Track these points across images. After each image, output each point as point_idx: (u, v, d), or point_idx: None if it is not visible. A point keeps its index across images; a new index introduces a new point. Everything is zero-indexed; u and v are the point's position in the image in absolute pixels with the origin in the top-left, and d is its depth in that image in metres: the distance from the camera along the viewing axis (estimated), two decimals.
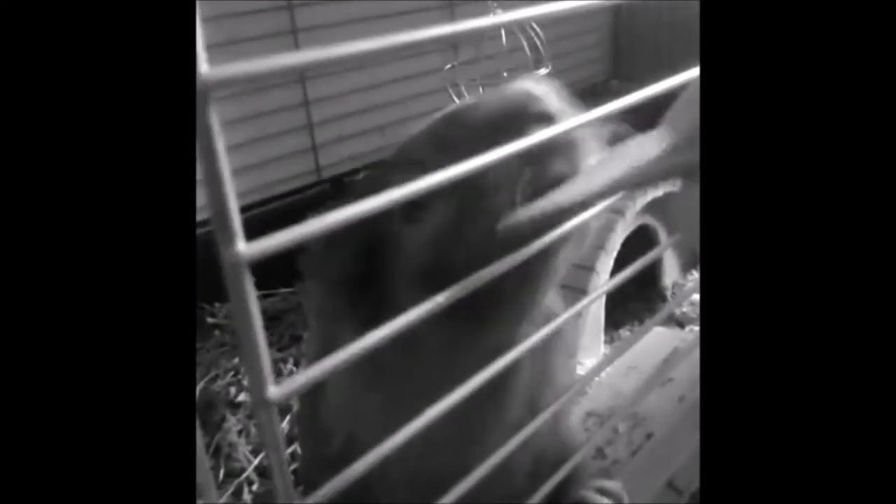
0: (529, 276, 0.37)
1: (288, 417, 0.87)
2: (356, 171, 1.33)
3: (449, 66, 1.20)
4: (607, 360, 0.89)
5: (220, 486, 0.80)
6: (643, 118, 0.36)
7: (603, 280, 0.91)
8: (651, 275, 1.18)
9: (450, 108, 0.41)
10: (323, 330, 0.51)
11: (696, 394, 0.77)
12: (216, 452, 0.85)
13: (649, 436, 0.73)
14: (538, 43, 1.18)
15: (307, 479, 0.62)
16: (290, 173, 1.27)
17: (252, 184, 1.21)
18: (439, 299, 0.27)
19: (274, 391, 0.22)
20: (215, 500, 0.28)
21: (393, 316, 0.26)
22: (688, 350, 0.85)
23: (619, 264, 0.94)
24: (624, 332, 1.09)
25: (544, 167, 0.35)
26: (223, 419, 0.89)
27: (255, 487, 0.81)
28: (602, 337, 0.98)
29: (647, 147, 0.32)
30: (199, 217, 0.26)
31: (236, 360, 0.99)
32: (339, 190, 1.30)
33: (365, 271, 0.41)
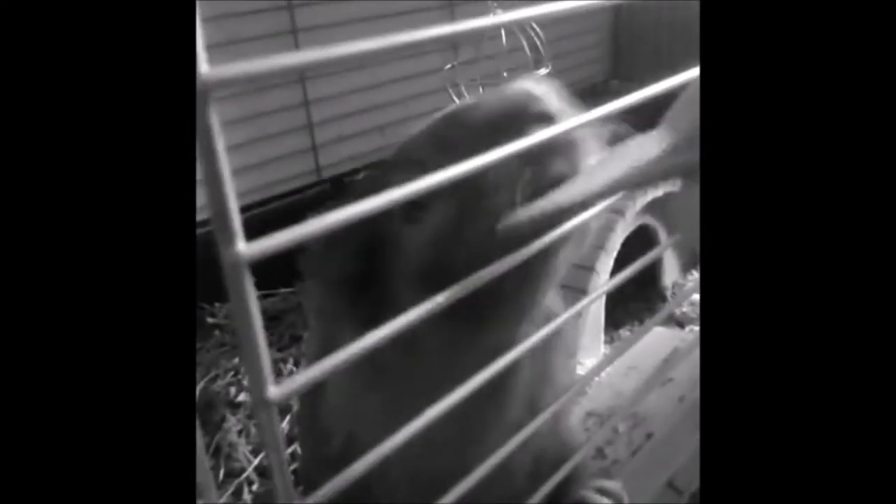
0: (529, 275, 0.37)
1: (288, 418, 0.87)
2: (356, 171, 1.33)
3: (449, 66, 1.20)
4: (607, 360, 0.89)
5: (220, 486, 0.80)
6: (643, 118, 0.36)
7: (603, 280, 0.91)
8: (651, 275, 1.18)
9: (450, 108, 0.41)
10: (323, 330, 0.51)
11: (696, 394, 0.77)
12: (216, 452, 0.85)
13: (649, 436, 0.73)
14: (538, 43, 1.18)
15: (307, 480, 0.62)
16: (290, 173, 1.27)
17: (252, 184, 1.21)
18: (439, 299, 0.27)
19: (274, 391, 0.22)
20: (215, 501, 0.28)
21: (393, 316, 0.26)
22: (688, 350, 0.85)
23: (619, 264, 0.94)
24: (624, 332, 1.09)
25: (544, 167, 0.35)
26: (223, 419, 0.89)
27: (255, 487, 0.81)
28: (602, 337, 0.98)
29: (647, 147, 0.32)
30: (199, 217, 0.26)
31: (236, 360, 0.99)
32: (339, 190, 1.30)
33: (365, 271, 0.41)
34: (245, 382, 0.94)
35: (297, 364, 1.00)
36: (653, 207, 1.04)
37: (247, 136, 1.19)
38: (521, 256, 0.32)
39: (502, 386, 0.45)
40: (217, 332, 1.06)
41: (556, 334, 0.49)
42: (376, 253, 0.41)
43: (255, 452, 0.85)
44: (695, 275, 1.22)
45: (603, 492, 0.54)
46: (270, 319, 1.11)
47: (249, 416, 0.89)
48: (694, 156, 0.30)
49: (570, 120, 0.33)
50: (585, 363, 0.93)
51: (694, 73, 0.34)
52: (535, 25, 1.20)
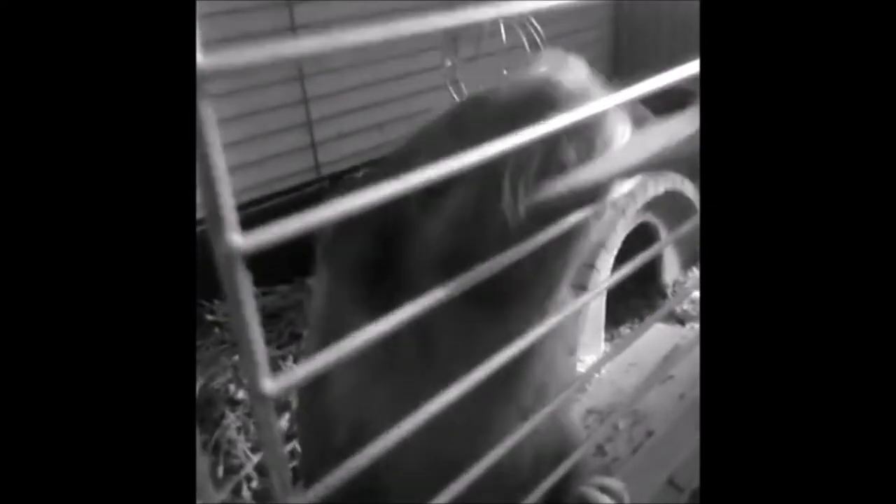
0: (550, 260, 0.37)
1: (287, 415, 0.87)
2: (356, 168, 1.33)
3: (449, 62, 1.19)
4: (607, 357, 0.89)
5: (220, 484, 0.80)
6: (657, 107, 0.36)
7: (603, 278, 0.91)
8: (651, 272, 1.18)
9: (472, 93, 0.41)
10: (330, 320, 0.50)
11: (696, 391, 0.77)
12: (216, 449, 0.84)
13: (650, 433, 0.72)
14: (538, 40, 1.17)
15: (309, 476, 0.62)
16: (289, 171, 1.27)
17: (251, 181, 1.21)
18: (459, 284, 0.27)
19: (270, 385, 0.22)
20: (213, 500, 0.27)
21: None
22: (688, 347, 0.85)
23: (620, 262, 0.94)
24: (624, 330, 1.09)
25: (569, 146, 0.35)
26: (222, 416, 0.89)
27: (254, 484, 0.81)
28: (602, 334, 0.98)
29: (677, 127, 0.32)
30: (199, 215, 0.26)
31: (236, 358, 0.99)
32: (338, 186, 1.30)
33: (381, 259, 0.41)
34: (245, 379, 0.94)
35: (296, 361, 1.00)
36: (654, 205, 1.04)
37: (246, 133, 1.19)
38: (543, 240, 0.31)
39: (516, 373, 0.44)
40: (216, 330, 1.06)
41: (558, 327, 0.49)
42: (393, 241, 0.41)
43: (254, 450, 0.85)
44: (695, 272, 1.22)
45: (604, 489, 0.54)
46: (270, 317, 1.11)
47: (249, 414, 0.89)
48: None
49: (595, 101, 0.33)
50: (585, 360, 0.93)
51: (695, 65, 0.34)
52: (535, 23, 1.19)
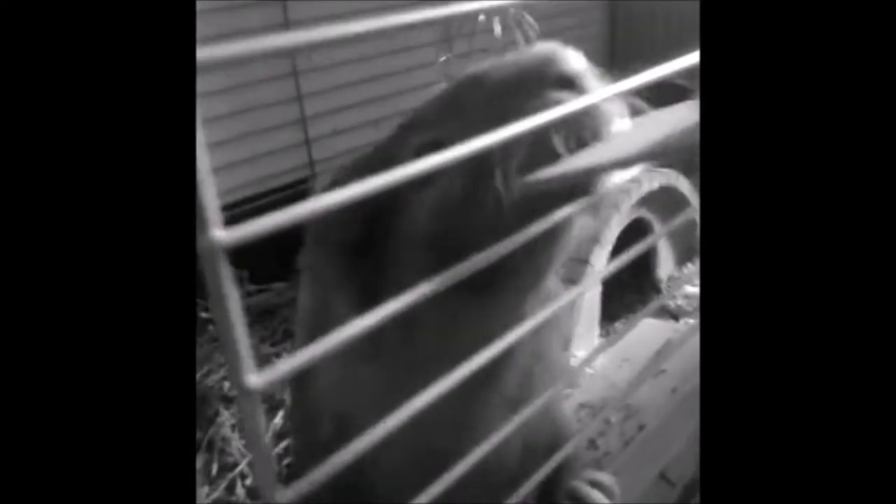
0: (541, 246, 0.36)
1: (281, 413, 0.87)
2: None
3: (443, 59, 1.19)
4: (597, 351, 0.89)
5: (214, 481, 0.80)
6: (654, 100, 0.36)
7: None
8: (646, 267, 1.18)
9: (469, 69, 0.40)
10: (316, 299, 0.50)
11: (688, 386, 0.77)
12: (210, 447, 0.84)
13: (641, 427, 0.73)
14: (533, 37, 1.17)
15: (300, 473, 0.62)
16: (283, 167, 1.27)
17: (245, 178, 1.21)
18: (447, 276, 0.26)
19: (255, 380, 0.22)
20: (203, 501, 0.27)
21: (392, 283, 0.25)
22: (680, 342, 0.85)
23: (615, 258, 0.94)
24: (619, 325, 1.09)
25: (562, 132, 0.34)
26: (217, 414, 0.89)
27: (248, 482, 0.81)
28: (597, 329, 0.98)
29: (672, 118, 0.31)
30: None
31: None
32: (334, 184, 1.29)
33: (366, 236, 0.41)
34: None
35: None
36: (648, 201, 1.04)
37: (240, 130, 1.18)
38: (535, 228, 0.30)
39: (500, 363, 0.44)
40: (211, 327, 1.06)
41: (551, 318, 0.49)
42: (379, 218, 0.40)
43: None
44: (690, 267, 1.22)
45: (594, 484, 0.54)
46: (264, 314, 1.11)
47: None
48: None
49: (592, 88, 0.33)
50: (579, 355, 0.93)
51: (694, 57, 0.34)
52: (530, 19, 1.19)
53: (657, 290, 1.17)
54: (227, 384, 0.94)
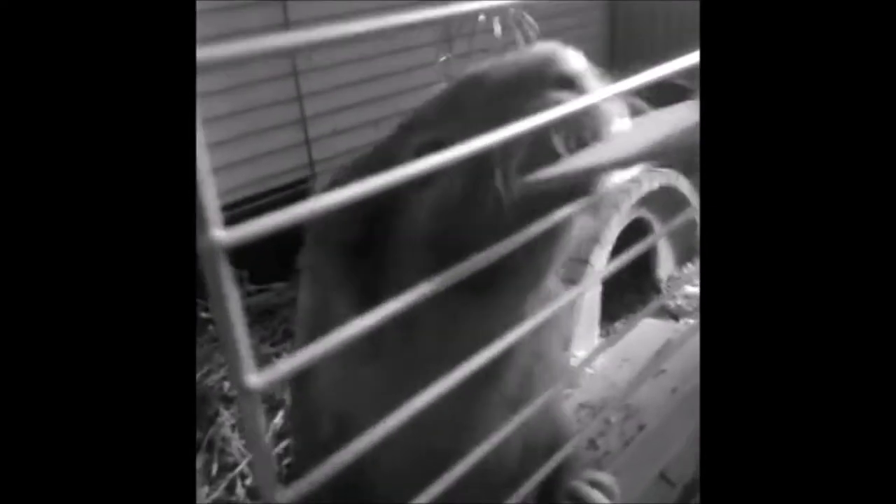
0: (540, 245, 0.36)
1: (281, 413, 0.87)
2: None
3: (443, 59, 1.19)
4: (597, 351, 0.89)
5: (214, 481, 0.80)
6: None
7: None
8: (646, 267, 1.18)
9: (469, 70, 0.41)
10: (316, 299, 0.50)
11: (688, 385, 0.77)
12: (210, 447, 0.84)
13: (641, 427, 0.73)
14: (533, 37, 1.17)
15: (297, 473, 0.62)
16: (283, 167, 1.27)
17: (245, 178, 1.21)
18: (447, 277, 0.26)
19: (255, 379, 0.22)
20: (203, 501, 0.27)
21: (392, 283, 0.25)
22: (680, 341, 0.85)
23: (615, 259, 0.94)
24: (619, 325, 1.09)
25: (562, 132, 0.34)
26: (217, 414, 0.89)
27: (248, 482, 0.81)
28: (597, 329, 0.98)
29: (672, 119, 0.31)
30: None
31: None
32: (333, 184, 1.29)
33: (366, 236, 0.41)
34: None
35: None
36: (648, 201, 1.04)
37: (240, 130, 1.18)
38: (535, 228, 0.30)
39: (500, 363, 0.44)
40: (211, 327, 1.06)
41: (551, 319, 0.49)
42: (379, 218, 0.40)
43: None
44: (690, 267, 1.22)
45: (594, 484, 0.54)
46: (264, 314, 1.11)
47: None
48: None
49: (592, 88, 0.33)
50: (579, 355, 0.93)
51: (694, 57, 0.34)
52: (530, 19, 1.19)
53: (657, 291, 1.17)
54: (227, 384, 0.94)
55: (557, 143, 0.34)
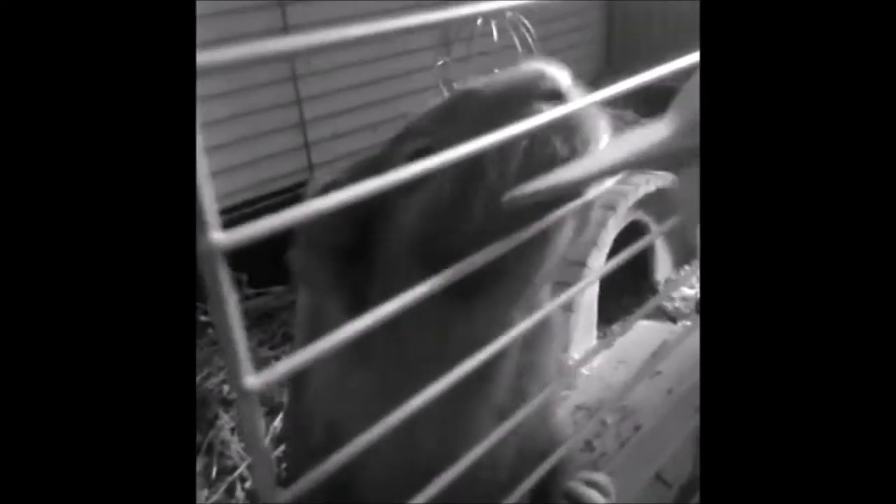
0: (528, 252, 0.37)
1: (280, 416, 0.87)
2: None
3: (441, 62, 1.20)
4: (592, 353, 0.89)
5: (213, 484, 0.80)
6: (650, 108, 0.37)
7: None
8: (643, 270, 1.18)
9: (464, 86, 0.42)
10: (312, 309, 0.51)
11: (684, 386, 0.77)
12: (209, 450, 0.85)
13: (637, 428, 0.73)
14: (529, 40, 1.18)
15: (295, 477, 0.62)
16: (282, 171, 1.27)
17: (244, 182, 1.21)
18: (436, 281, 0.26)
19: (253, 381, 0.22)
20: (203, 502, 0.28)
21: (382, 287, 0.25)
22: (676, 343, 0.85)
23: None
24: (617, 328, 1.09)
25: (550, 144, 0.36)
26: (216, 417, 0.89)
27: (247, 485, 0.81)
28: (594, 332, 0.98)
29: (653, 131, 0.32)
30: None
31: None
32: (331, 187, 1.30)
33: (356, 241, 0.41)
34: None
35: None
36: (645, 203, 1.04)
37: (239, 133, 1.19)
38: (522, 234, 0.31)
39: (488, 370, 0.44)
40: (210, 330, 1.06)
41: (545, 326, 0.49)
42: (368, 222, 0.41)
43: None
44: (687, 270, 1.23)
45: (590, 484, 0.54)
46: (262, 318, 1.11)
47: None
48: (693, 142, 0.31)
49: (578, 100, 0.34)
50: (576, 357, 0.93)
51: (694, 57, 0.34)
52: (526, 22, 1.20)
53: (654, 293, 1.17)
54: (226, 387, 0.95)
55: (545, 156, 0.35)
